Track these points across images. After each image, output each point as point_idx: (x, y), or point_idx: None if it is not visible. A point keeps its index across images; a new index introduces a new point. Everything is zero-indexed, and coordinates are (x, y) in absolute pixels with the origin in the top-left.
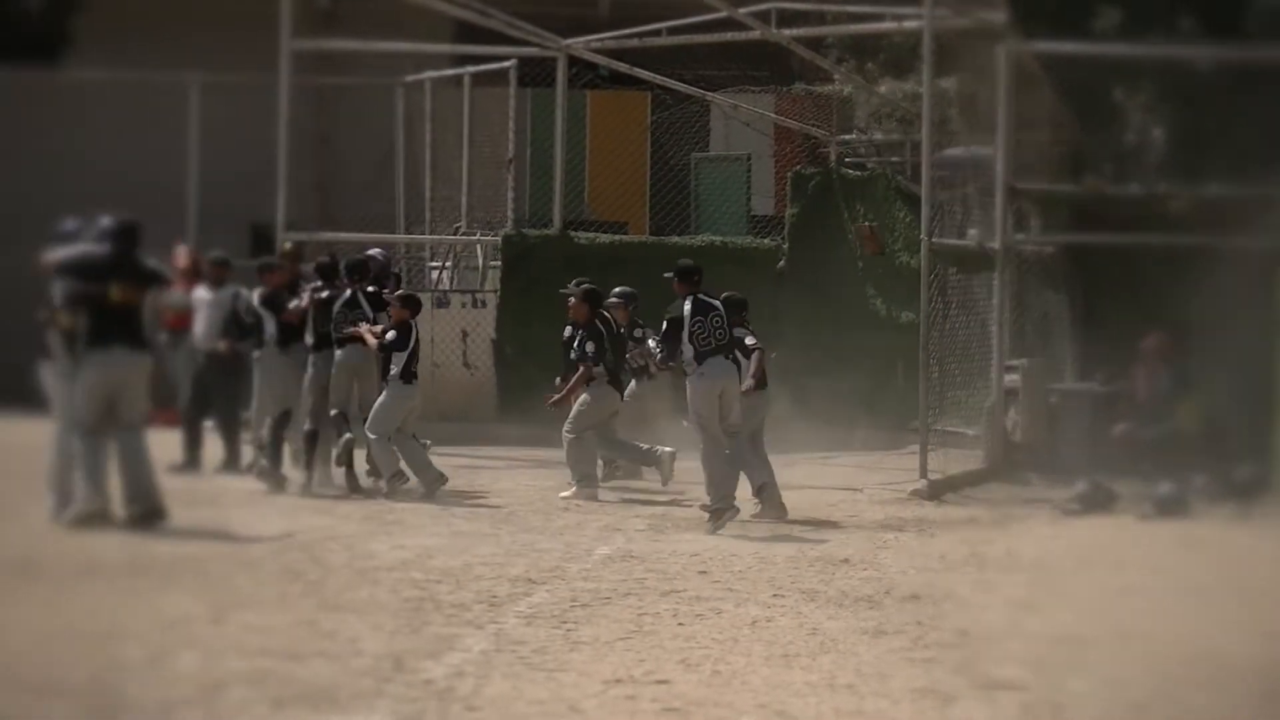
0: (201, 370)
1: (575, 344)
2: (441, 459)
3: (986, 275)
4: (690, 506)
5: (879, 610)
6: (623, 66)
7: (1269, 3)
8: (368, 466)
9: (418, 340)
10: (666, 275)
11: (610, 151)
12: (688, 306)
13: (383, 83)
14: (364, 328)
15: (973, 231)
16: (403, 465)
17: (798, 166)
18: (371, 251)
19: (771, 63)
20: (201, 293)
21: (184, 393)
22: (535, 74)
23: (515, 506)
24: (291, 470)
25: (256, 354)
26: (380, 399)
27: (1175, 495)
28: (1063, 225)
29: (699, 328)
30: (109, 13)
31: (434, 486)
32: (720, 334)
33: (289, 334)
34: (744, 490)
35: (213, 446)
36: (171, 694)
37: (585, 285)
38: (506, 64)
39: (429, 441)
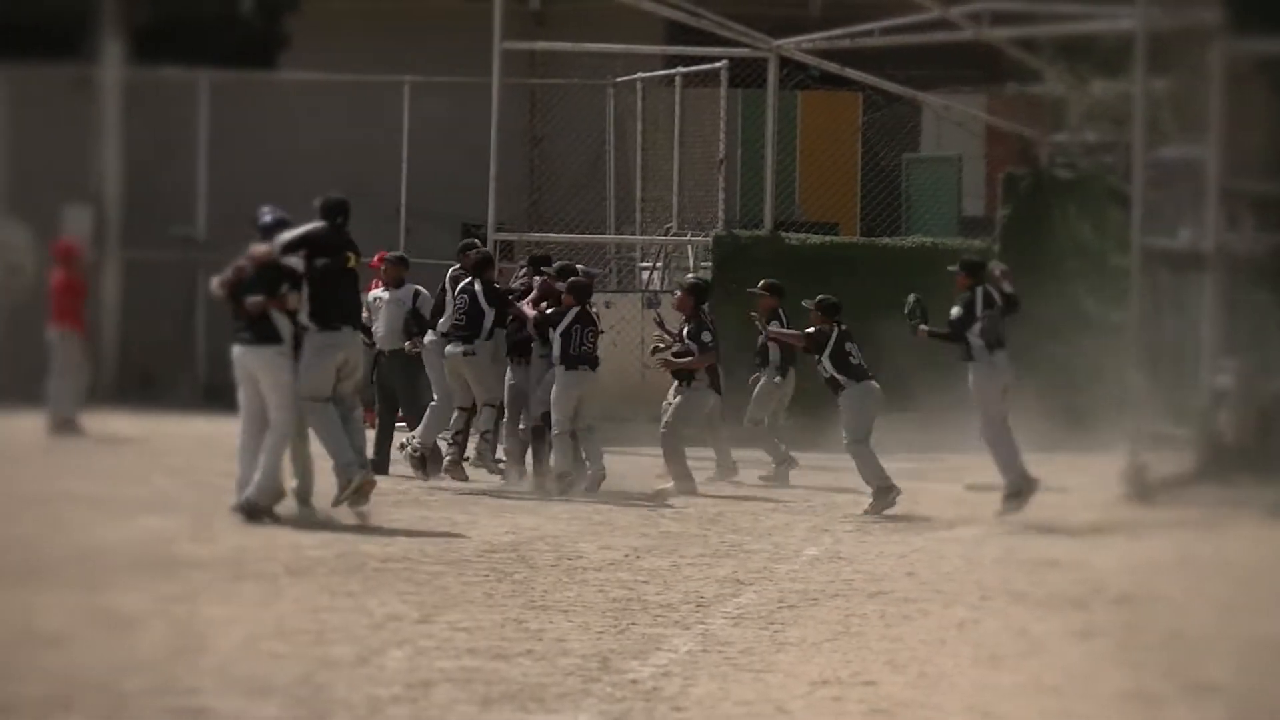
0: (384, 370)
1: (686, 334)
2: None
3: (1198, 276)
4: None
5: (1087, 612)
6: (833, 67)
7: None
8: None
9: (586, 327)
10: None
11: (821, 152)
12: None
13: (594, 83)
14: (524, 305)
15: (1184, 232)
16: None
17: (1009, 167)
18: (580, 268)
19: (982, 63)
20: (379, 293)
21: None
22: (746, 74)
23: (723, 507)
24: (473, 469)
25: (467, 348)
26: (553, 389)
27: None
28: (1276, 225)
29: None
30: (323, 16)
31: (596, 482)
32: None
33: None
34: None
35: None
36: (380, 693)
37: (770, 282)
38: (718, 65)
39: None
